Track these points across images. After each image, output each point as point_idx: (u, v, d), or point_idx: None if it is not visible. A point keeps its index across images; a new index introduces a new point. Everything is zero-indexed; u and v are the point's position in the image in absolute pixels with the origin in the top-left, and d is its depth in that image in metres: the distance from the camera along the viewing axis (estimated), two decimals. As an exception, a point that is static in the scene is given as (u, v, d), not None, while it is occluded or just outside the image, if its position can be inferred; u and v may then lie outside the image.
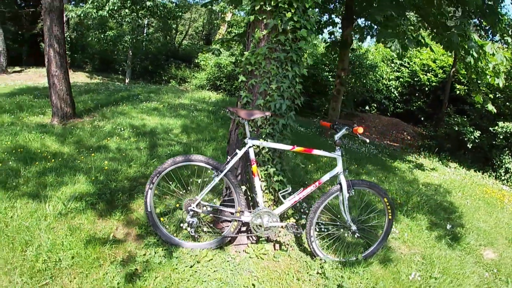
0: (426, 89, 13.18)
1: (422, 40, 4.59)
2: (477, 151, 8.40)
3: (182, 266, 2.36)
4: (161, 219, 2.77)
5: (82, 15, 13.14)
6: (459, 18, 4.42)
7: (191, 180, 3.43)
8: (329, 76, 13.00)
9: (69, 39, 15.89)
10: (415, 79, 13.37)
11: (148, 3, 14.01)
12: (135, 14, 14.33)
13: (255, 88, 2.61)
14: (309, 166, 5.18)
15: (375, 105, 14.33)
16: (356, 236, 2.82)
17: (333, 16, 9.26)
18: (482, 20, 5.13)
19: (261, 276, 2.44)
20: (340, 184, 2.61)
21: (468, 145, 8.14)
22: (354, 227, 2.76)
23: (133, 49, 15.80)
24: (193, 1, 22.55)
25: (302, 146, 2.62)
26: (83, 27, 17.95)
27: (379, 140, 10.89)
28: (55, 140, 4.67)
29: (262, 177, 2.69)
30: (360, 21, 10.15)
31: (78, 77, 15.23)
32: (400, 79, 13.80)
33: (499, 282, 3.13)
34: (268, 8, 2.37)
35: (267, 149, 2.66)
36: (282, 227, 2.60)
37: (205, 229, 2.75)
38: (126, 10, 13.78)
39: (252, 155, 2.47)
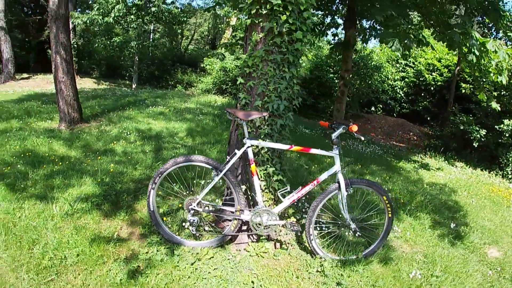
0: (432, 88, 13.10)
1: (423, 39, 4.60)
2: (483, 149, 8.31)
3: (183, 264, 2.42)
4: (164, 218, 2.84)
5: (88, 22, 13.39)
6: (460, 16, 4.42)
7: (194, 181, 3.50)
8: (334, 78, 13.01)
9: (76, 45, 16.18)
10: (421, 78, 13.30)
11: (153, 9, 14.22)
12: (141, 20, 14.55)
13: (253, 90, 2.66)
14: (313, 167, 5.21)
15: (381, 106, 14.28)
16: (357, 235, 2.85)
17: (336, 17, 9.29)
18: (484, 18, 5.11)
19: (260, 274, 2.48)
20: (339, 182, 2.65)
21: (474, 144, 8.06)
22: (353, 225, 2.78)
23: (139, 54, 16.03)
24: (198, 7, 22.81)
25: (300, 146, 2.66)
26: (89, 33, 18.27)
27: (384, 141, 10.85)
28: (63, 144, 4.79)
29: (261, 177, 2.74)
30: (365, 22, 10.19)
31: (86, 83, 15.50)
32: (406, 79, 13.74)
33: (503, 281, 3.10)
34: (264, 12, 2.44)
35: (266, 149, 2.71)
36: (281, 225, 2.64)
37: (206, 228, 2.81)
38: (132, 16, 14.01)
39: (250, 155, 2.53)
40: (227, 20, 19.83)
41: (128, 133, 5.65)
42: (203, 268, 2.43)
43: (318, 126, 10.37)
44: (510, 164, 7.62)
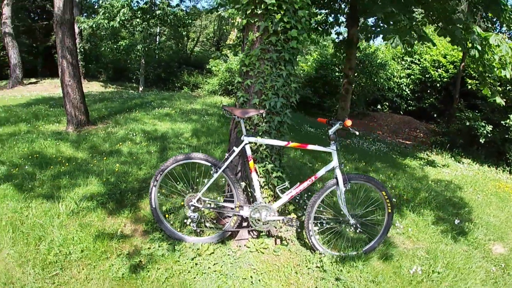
0: (438, 85, 12.97)
1: (424, 35, 4.58)
2: (490, 145, 8.19)
3: (184, 259, 2.48)
4: (167, 216, 2.91)
5: (94, 26, 13.61)
6: (461, 11, 4.39)
7: (197, 180, 3.57)
8: (340, 77, 12.99)
9: (82, 50, 16.44)
10: (426, 75, 13.17)
11: (158, 12, 14.38)
12: (146, 23, 14.73)
13: (250, 88, 2.71)
14: (316, 165, 5.24)
15: (387, 103, 14.19)
16: (358, 231, 2.86)
17: (339, 16, 9.28)
18: (487, 12, 5.07)
19: (260, 269, 2.53)
20: (337, 178, 2.67)
21: (480, 140, 7.96)
22: (352, 221, 2.80)
23: (146, 57, 16.22)
24: (203, 9, 22.97)
25: (298, 142, 2.70)
26: (96, 37, 18.56)
27: (391, 139, 10.78)
28: (70, 146, 4.90)
29: (260, 173, 2.78)
30: (369, 20, 10.16)
31: (93, 87, 15.75)
32: (411, 76, 13.62)
33: (507, 277, 3.05)
34: (259, 11, 2.49)
35: (264, 146, 2.75)
36: (279, 221, 2.68)
37: (207, 224, 2.87)
38: (138, 20, 14.19)
39: (248, 152, 2.58)
40: (232, 21, 19.94)
41: (134, 134, 5.75)
42: (203, 263, 2.48)
43: (323, 124, 10.36)
44: (517, 160, 7.51)
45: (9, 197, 3.06)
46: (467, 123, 8.22)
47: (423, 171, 6.30)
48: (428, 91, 13.35)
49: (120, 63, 19.12)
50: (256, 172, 2.67)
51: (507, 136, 7.81)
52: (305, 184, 2.68)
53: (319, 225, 3.13)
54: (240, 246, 2.81)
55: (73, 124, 5.93)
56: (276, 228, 2.84)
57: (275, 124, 2.73)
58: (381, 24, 7.63)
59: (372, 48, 13.45)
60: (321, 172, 2.70)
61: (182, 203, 3.22)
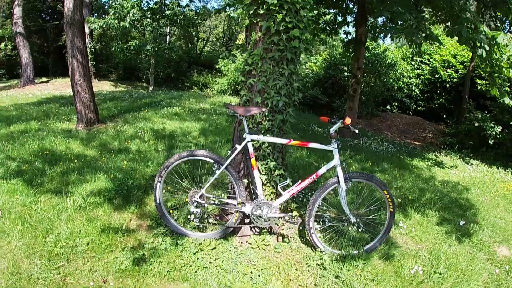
0: (447, 85, 12.79)
1: (431, 34, 4.55)
2: (499, 147, 8.06)
3: (186, 253, 2.54)
4: (171, 211, 2.98)
5: (104, 26, 13.83)
6: (468, 10, 4.34)
7: (203, 178, 3.63)
8: (349, 77, 12.94)
9: (93, 49, 16.72)
10: (436, 75, 13.00)
11: (167, 12, 14.53)
12: (156, 23, 14.91)
13: (253, 87, 2.75)
14: (323, 164, 5.23)
15: (396, 104, 14.05)
16: (360, 230, 2.86)
17: (347, 16, 9.26)
18: (496, 11, 5.00)
19: (260, 265, 2.56)
20: (338, 176, 2.69)
21: (489, 141, 7.84)
22: (353, 219, 2.82)
23: (156, 57, 16.41)
24: (212, 9, 23.12)
25: (299, 140, 2.73)
26: (106, 37, 18.86)
27: (399, 139, 10.69)
28: (79, 143, 5.02)
29: (263, 171, 2.82)
30: (380, 20, 10.08)
31: (103, 86, 16.00)
32: (421, 76, 13.47)
33: (511, 280, 3.03)
34: (261, 12, 2.53)
35: (267, 144, 2.79)
36: (280, 218, 2.71)
37: (210, 220, 2.92)
38: (148, 20, 14.37)
39: (250, 149, 2.62)
40: (240, 21, 20.03)
41: (143, 132, 5.85)
42: (204, 258, 2.54)
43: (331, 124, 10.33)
44: (527, 162, 7.36)
45: (19, 191, 3.16)
46: (476, 124, 8.10)
47: (430, 172, 6.24)
48: (438, 91, 13.18)
49: (131, 63, 19.40)
50: (258, 170, 2.71)
51: (516, 137, 7.69)
52: (306, 182, 2.71)
53: (321, 223, 3.15)
54: (242, 242, 2.85)
55: (83, 122, 6.06)
56: (278, 225, 2.88)
57: (277, 122, 2.77)
58: (389, 24, 7.60)
59: (382, 48, 13.34)
60: (322, 170, 2.73)
61: (187, 199, 3.29)
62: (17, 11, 13.98)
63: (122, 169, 4.01)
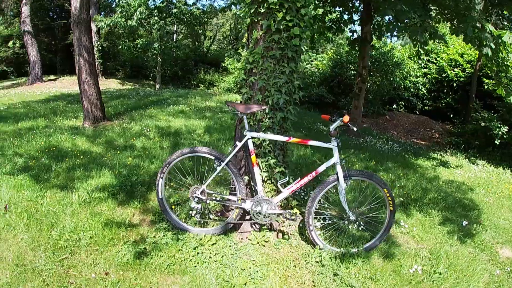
0: (454, 84, 12.65)
1: (436, 33, 4.52)
2: (506, 147, 7.96)
3: (186, 248, 2.59)
4: (173, 207, 3.03)
5: (111, 25, 13.96)
6: (473, 8, 4.30)
7: (206, 174, 3.67)
8: (355, 75, 12.89)
9: (100, 48, 16.87)
10: (443, 75, 12.87)
11: (174, 10, 14.61)
12: (163, 21, 15.01)
13: (254, 85, 2.78)
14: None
15: (403, 103, 13.95)
16: (360, 228, 2.87)
17: (353, 14, 9.22)
18: (503, 10, 4.94)
19: (259, 261, 2.60)
20: (337, 174, 2.71)
21: (496, 141, 7.74)
22: (353, 217, 2.83)
23: (163, 55, 16.53)
24: (219, 7, 23.16)
25: (299, 138, 2.75)
26: (114, 36, 19.03)
27: (405, 139, 10.62)
28: (86, 140, 5.11)
29: (263, 168, 2.85)
30: (387, 18, 10.02)
31: (111, 84, 16.15)
32: (428, 75, 13.34)
33: (512, 282, 3.02)
34: (262, 10, 2.56)
35: (267, 141, 2.82)
36: (279, 214, 2.74)
37: (211, 216, 2.96)
38: (155, 18, 14.47)
39: (251, 146, 2.65)
40: (243, 20, 20.03)
41: (148, 130, 5.92)
42: (204, 253, 2.58)
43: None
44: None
45: (26, 186, 3.25)
46: (482, 124, 8.01)
47: (435, 172, 6.19)
48: (445, 90, 13.06)
49: (138, 61, 19.56)
50: (258, 166, 2.75)
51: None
52: (306, 179, 2.73)
53: (321, 220, 3.17)
54: (242, 238, 2.89)
55: (89, 119, 6.16)
56: (278, 222, 2.91)
57: (278, 120, 2.79)
58: (394, 22, 7.56)
59: (389, 46, 13.25)
60: (321, 168, 2.75)
61: (189, 195, 3.34)
62: (25, 10, 14.21)
63: (127, 166, 4.08)
